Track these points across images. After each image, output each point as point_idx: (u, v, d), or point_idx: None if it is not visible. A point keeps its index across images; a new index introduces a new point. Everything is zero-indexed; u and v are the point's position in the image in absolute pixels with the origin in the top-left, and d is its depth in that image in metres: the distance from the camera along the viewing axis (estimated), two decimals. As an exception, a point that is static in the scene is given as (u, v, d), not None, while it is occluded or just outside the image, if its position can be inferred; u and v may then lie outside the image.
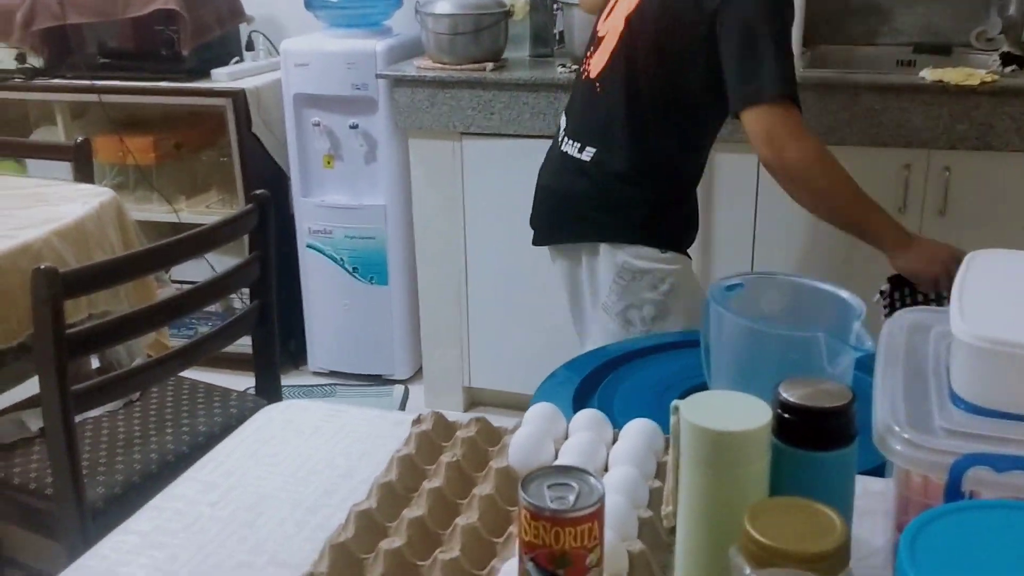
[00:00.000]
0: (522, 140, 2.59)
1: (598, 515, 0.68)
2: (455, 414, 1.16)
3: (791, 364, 0.82)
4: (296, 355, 3.22)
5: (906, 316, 0.97)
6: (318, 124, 2.84)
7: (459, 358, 2.87)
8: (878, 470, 0.94)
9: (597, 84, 1.82)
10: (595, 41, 1.87)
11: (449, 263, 2.79)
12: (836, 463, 0.79)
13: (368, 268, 2.96)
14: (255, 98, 2.89)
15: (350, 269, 2.97)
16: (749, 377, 0.77)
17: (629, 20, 1.76)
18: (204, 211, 3.12)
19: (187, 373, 2.05)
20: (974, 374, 0.80)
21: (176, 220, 3.08)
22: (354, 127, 2.81)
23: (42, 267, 1.45)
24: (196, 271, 3.00)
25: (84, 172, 2.26)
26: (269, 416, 1.24)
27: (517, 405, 2.51)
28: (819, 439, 0.78)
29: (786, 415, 0.79)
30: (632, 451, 1.02)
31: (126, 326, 1.64)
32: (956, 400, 0.81)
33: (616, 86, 1.76)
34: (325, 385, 3.14)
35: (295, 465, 1.12)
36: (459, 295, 2.82)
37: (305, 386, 3.12)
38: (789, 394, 0.79)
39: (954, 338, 0.82)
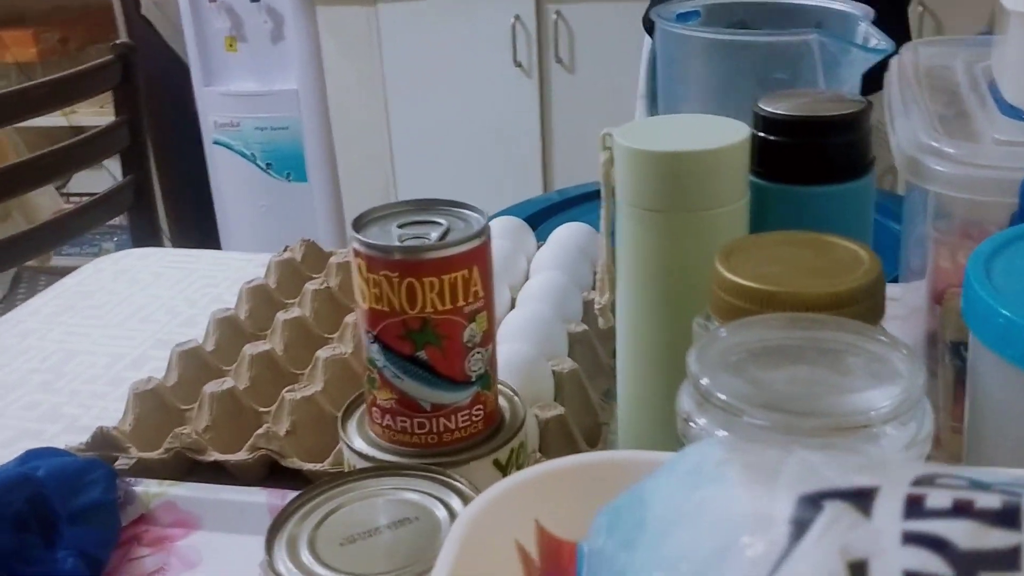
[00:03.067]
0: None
1: (480, 258, 0.42)
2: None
3: (777, 87, 0.56)
4: (213, 267, 2.92)
5: (916, 50, 0.71)
6: (215, 0, 2.51)
7: (391, 257, 2.60)
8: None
9: None
10: None
11: (373, 150, 2.50)
12: (846, 201, 0.53)
13: (283, 163, 2.65)
14: (143, -24, 2.56)
15: (264, 166, 2.67)
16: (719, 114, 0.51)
17: None
18: (99, 112, 2.79)
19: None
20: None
21: (66, 124, 2.75)
22: (255, 0, 2.49)
23: None
24: (96, 183, 2.70)
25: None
26: (98, 267, 0.96)
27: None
28: (820, 167, 0.53)
29: (771, 136, 0.53)
30: (561, 256, 0.76)
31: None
32: (1013, 111, 0.56)
33: None
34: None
35: (123, 316, 0.85)
36: (386, 185, 2.53)
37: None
38: (774, 107, 0.53)
39: (1009, 18, 0.56)
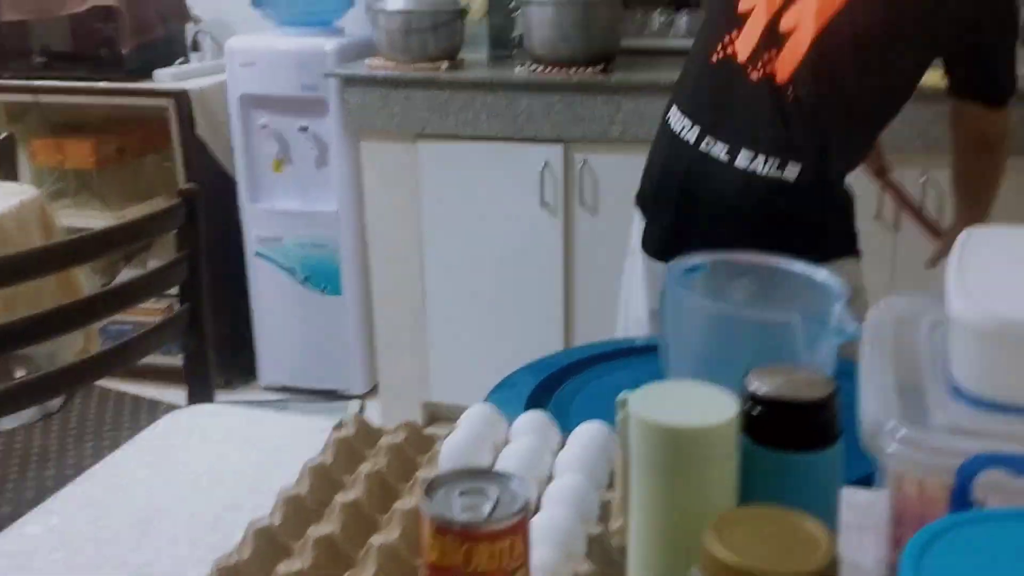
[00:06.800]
0: (479, 143, 2.47)
1: (521, 529, 0.54)
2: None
3: (763, 355, 0.69)
4: (246, 370, 3.06)
5: (892, 304, 0.84)
6: (266, 126, 2.70)
7: (418, 371, 2.73)
8: (865, 481, 0.80)
9: (790, 90, 1.53)
10: (733, 19, 1.57)
11: (405, 271, 2.65)
12: (817, 467, 0.66)
13: (321, 277, 2.81)
14: (199, 99, 2.75)
15: (302, 279, 2.82)
16: (714, 373, 0.64)
17: (832, 21, 1.49)
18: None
19: (117, 387, 1.91)
20: (979, 362, 0.68)
21: (118, 228, 2.92)
22: (304, 129, 2.68)
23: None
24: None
25: (6, 170, 2.11)
26: (175, 420, 1.09)
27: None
28: (797, 438, 0.65)
29: (756, 410, 0.66)
30: (582, 457, 0.89)
31: (42, 324, 1.49)
32: (958, 393, 0.68)
33: (828, 99, 1.53)
34: (276, 401, 2.99)
35: (196, 475, 0.98)
36: (416, 304, 2.68)
37: (255, 402, 2.96)
38: (760, 384, 0.66)
39: (953, 321, 0.69)
